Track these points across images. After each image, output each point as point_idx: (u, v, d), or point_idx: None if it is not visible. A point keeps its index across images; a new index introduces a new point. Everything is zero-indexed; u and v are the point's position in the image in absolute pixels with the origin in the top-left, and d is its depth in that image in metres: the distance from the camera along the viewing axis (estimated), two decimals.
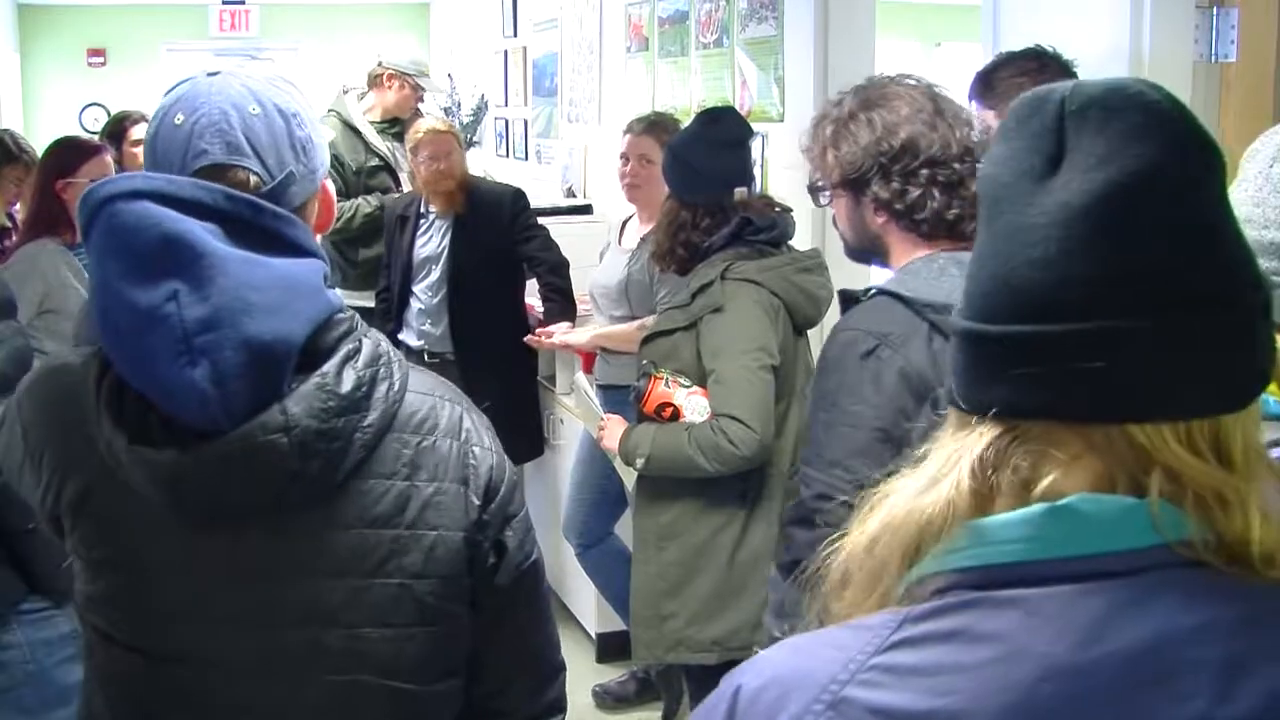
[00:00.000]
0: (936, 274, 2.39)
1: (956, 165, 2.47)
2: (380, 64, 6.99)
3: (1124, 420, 1.00)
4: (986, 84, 3.47)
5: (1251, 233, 1.83)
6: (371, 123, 6.85)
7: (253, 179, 1.68)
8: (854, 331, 2.40)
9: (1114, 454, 1.01)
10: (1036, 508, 1.00)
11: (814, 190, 2.63)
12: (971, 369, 1.07)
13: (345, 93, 6.98)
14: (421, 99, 7.12)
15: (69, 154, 4.94)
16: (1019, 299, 1.03)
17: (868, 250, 2.61)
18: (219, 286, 1.56)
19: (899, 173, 2.47)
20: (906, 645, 1.01)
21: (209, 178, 1.66)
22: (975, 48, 4.68)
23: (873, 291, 2.44)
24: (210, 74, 1.75)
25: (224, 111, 1.69)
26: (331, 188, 1.86)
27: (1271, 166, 1.85)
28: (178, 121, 1.70)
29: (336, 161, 6.47)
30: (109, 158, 5.10)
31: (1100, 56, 3.58)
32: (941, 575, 1.03)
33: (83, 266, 4.83)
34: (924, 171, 2.46)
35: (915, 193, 2.46)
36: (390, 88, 6.94)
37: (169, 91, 1.76)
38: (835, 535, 2.26)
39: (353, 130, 6.77)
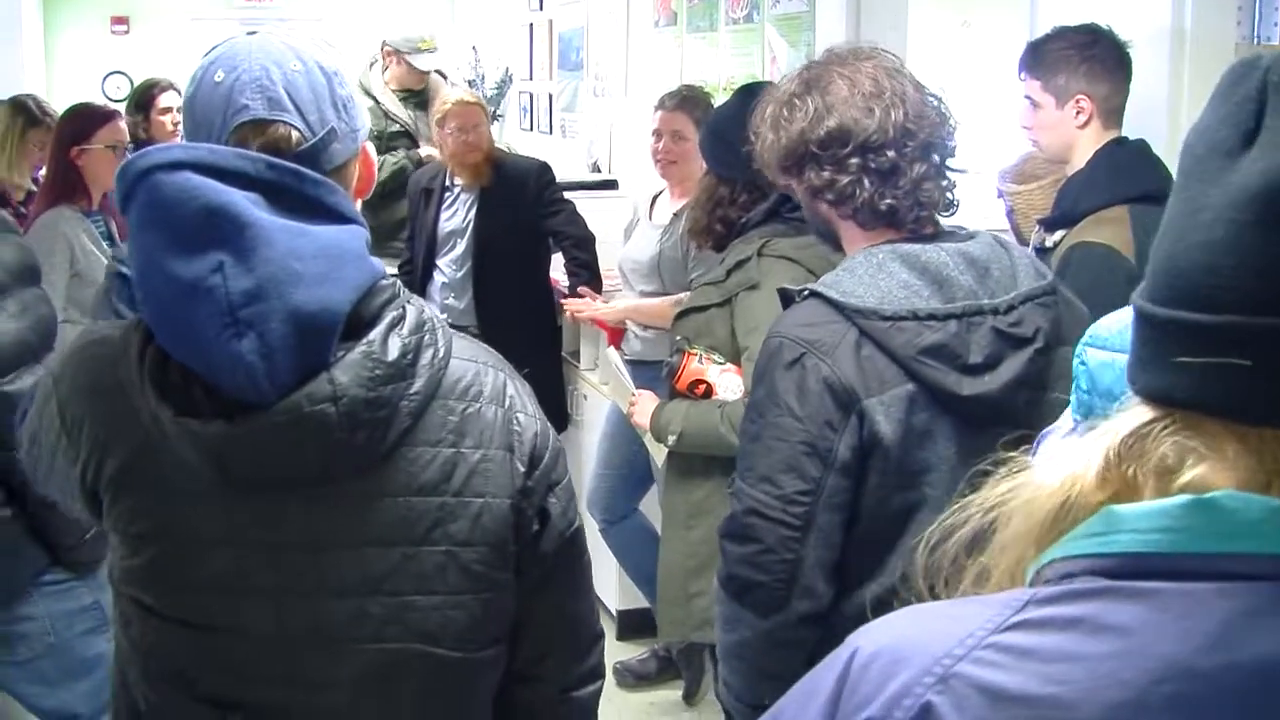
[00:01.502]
0: (874, 270, 2.31)
1: (890, 152, 2.36)
2: (384, 40, 7.19)
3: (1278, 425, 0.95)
4: (1036, 54, 3.47)
5: None
6: (394, 92, 6.93)
7: (294, 135, 1.66)
8: (780, 339, 2.34)
9: (1268, 454, 0.95)
10: (1179, 499, 0.95)
11: (756, 173, 2.58)
12: (1137, 348, 1.02)
13: (371, 66, 7.10)
14: (435, 74, 7.21)
15: (83, 120, 4.93)
16: (1183, 283, 0.97)
17: (825, 235, 2.55)
18: (264, 257, 1.55)
19: (829, 160, 2.39)
20: (1027, 627, 0.96)
21: (250, 133, 1.65)
22: (1009, 26, 4.64)
23: (805, 293, 2.38)
24: (250, 33, 1.74)
25: (265, 68, 1.67)
26: (372, 150, 1.85)
27: None
28: (218, 79, 1.68)
29: None
30: (122, 123, 5.09)
31: (1142, 37, 3.54)
32: (1073, 559, 0.98)
33: (100, 234, 4.83)
34: (854, 159, 2.37)
35: (844, 180, 2.38)
36: (392, 61, 7.06)
37: (208, 52, 1.74)
38: (762, 550, 2.26)
39: (371, 98, 6.93)
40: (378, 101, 6.97)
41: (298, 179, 1.62)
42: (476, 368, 1.77)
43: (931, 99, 2.45)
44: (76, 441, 1.73)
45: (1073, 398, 1.89)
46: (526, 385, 1.85)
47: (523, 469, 1.76)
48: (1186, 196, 0.99)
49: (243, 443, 1.59)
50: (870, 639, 1.04)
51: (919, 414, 2.27)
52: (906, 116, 2.37)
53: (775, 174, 2.53)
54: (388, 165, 6.63)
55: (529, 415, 1.80)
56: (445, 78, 7.28)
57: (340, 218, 1.66)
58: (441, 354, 1.71)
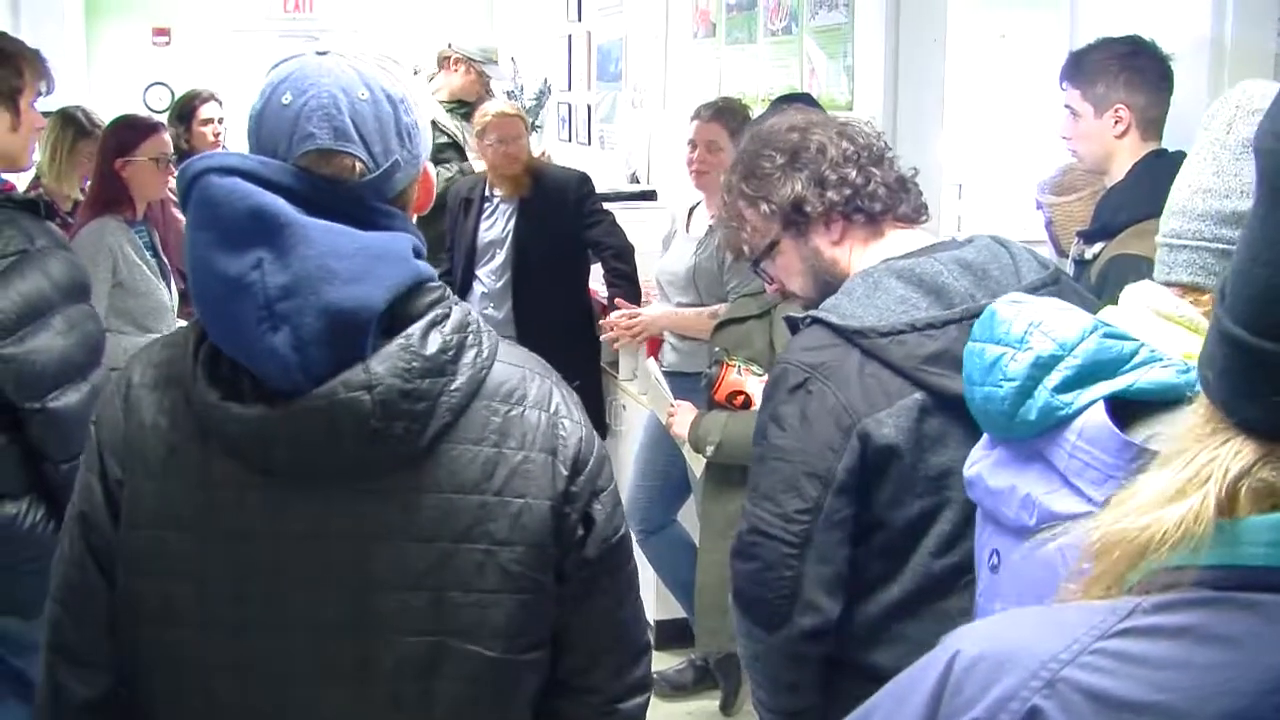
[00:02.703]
0: (871, 289, 2.35)
1: (862, 154, 2.48)
2: (449, 46, 7.03)
3: None
4: (1077, 64, 3.49)
5: (1212, 203, 1.78)
6: (441, 103, 6.86)
7: (358, 166, 1.70)
8: (785, 365, 2.39)
9: None
10: None
11: (758, 263, 2.62)
12: (1234, 375, 0.97)
13: (415, 74, 7.00)
14: (488, 86, 7.13)
15: (127, 132, 4.99)
16: None
17: (826, 286, 2.53)
18: (300, 255, 1.61)
19: (830, 167, 2.46)
20: (1135, 634, 0.95)
21: (315, 162, 1.69)
22: (1048, 38, 4.65)
23: (808, 320, 2.41)
24: (319, 53, 1.75)
25: (332, 95, 1.69)
26: (433, 170, 1.87)
27: (1228, 133, 1.80)
28: (285, 101, 1.70)
29: None
30: (166, 135, 5.14)
31: (1182, 48, 3.54)
32: (1179, 570, 0.96)
33: (144, 245, 4.88)
34: (831, 175, 2.46)
35: (852, 173, 2.46)
36: (456, 71, 6.97)
37: (275, 67, 1.77)
38: (763, 568, 2.30)
39: None
40: None
41: (346, 203, 1.68)
42: (523, 372, 1.80)
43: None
44: (133, 431, 1.76)
45: None
46: (574, 394, 1.87)
47: (565, 473, 1.78)
48: None
49: (281, 427, 1.63)
50: (971, 641, 1.03)
51: (930, 420, 2.29)
52: (843, 133, 2.51)
53: (777, 231, 2.54)
54: (440, 179, 6.50)
55: (574, 422, 1.82)
56: (489, 91, 7.26)
57: (389, 229, 1.71)
58: (485, 355, 1.74)
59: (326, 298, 1.61)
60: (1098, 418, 1.70)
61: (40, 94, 3.30)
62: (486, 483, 1.72)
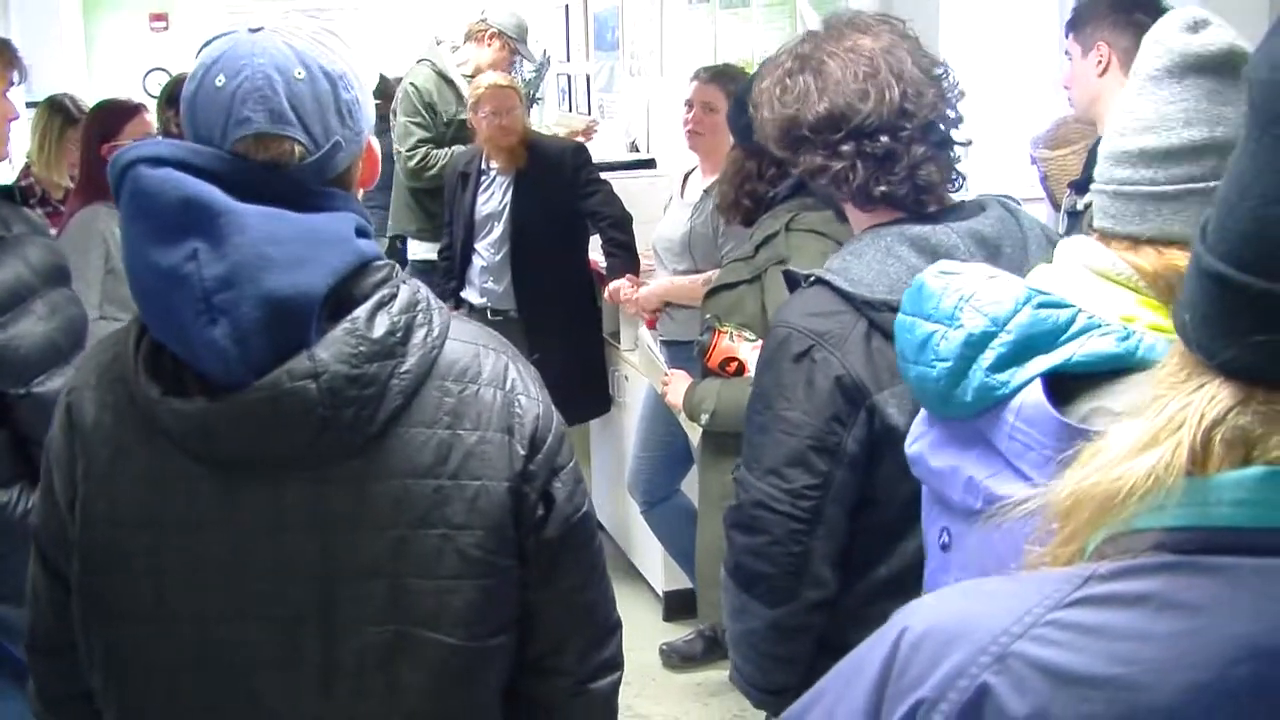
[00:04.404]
0: (883, 255, 2.25)
1: (885, 138, 2.26)
2: (484, 20, 6.93)
3: None
4: (1078, 12, 3.50)
5: (1108, 144, 1.69)
6: (465, 77, 6.78)
7: (297, 149, 1.66)
8: (788, 329, 2.28)
9: None
10: (1255, 470, 0.88)
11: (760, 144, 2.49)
12: (1215, 316, 0.92)
13: (439, 44, 6.94)
14: (516, 63, 7.06)
15: (110, 117, 4.98)
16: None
17: (833, 204, 2.48)
18: (235, 244, 1.57)
19: (822, 145, 2.31)
20: (1090, 603, 0.90)
21: (252, 147, 1.64)
22: None
23: (811, 279, 2.31)
24: (253, 30, 1.69)
25: (268, 76, 1.64)
26: (376, 144, 1.82)
27: (1138, 66, 1.71)
28: (219, 84, 1.65)
29: (430, 110, 6.56)
30: (149, 115, 5.13)
31: None
32: (1137, 534, 0.92)
33: None
34: (847, 145, 2.28)
35: (837, 166, 2.30)
36: (490, 46, 6.86)
37: (207, 44, 1.71)
38: (770, 542, 2.23)
39: (447, 81, 6.73)
40: (452, 84, 6.73)
41: (284, 185, 1.64)
42: (476, 349, 1.76)
43: (938, 70, 2.36)
44: (77, 434, 1.74)
45: None
46: (531, 369, 1.84)
47: (523, 452, 1.74)
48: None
49: (226, 420, 1.60)
50: (920, 617, 0.99)
51: None
52: (904, 97, 2.28)
53: (775, 149, 2.46)
54: (439, 162, 6.44)
55: (531, 398, 1.78)
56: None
57: (331, 210, 1.67)
58: (436, 334, 1.70)
59: (265, 287, 1.56)
60: (1034, 397, 1.60)
61: (12, 84, 3.28)
62: (441, 466, 1.69)
